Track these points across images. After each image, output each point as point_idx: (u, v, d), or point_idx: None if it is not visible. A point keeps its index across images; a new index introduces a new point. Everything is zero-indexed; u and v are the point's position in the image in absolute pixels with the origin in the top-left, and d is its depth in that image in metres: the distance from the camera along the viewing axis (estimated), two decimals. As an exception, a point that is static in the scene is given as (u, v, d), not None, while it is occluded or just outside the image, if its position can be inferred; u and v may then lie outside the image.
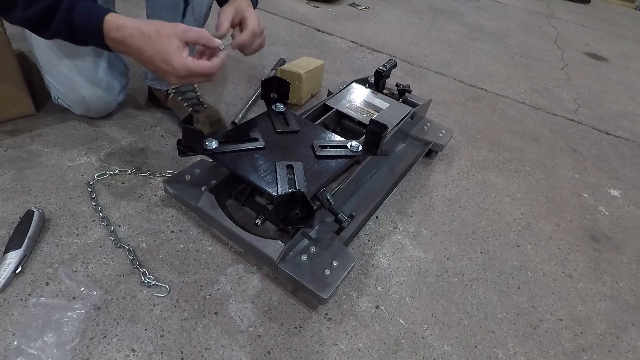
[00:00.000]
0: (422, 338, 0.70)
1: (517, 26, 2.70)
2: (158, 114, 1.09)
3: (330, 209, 0.74)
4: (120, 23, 0.62)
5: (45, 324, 0.59)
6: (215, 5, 0.93)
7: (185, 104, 1.03)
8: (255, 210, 0.80)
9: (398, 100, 1.11)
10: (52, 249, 0.71)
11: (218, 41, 0.66)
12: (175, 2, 0.88)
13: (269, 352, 0.63)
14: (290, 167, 0.72)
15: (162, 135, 1.02)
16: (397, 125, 1.00)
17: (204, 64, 0.64)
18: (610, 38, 2.86)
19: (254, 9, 0.81)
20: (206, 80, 0.67)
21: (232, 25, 0.74)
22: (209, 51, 0.68)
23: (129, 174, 0.89)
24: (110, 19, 0.62)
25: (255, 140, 0.76)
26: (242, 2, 0.76)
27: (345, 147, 0.79)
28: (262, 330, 0.66)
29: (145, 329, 0.63)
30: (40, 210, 0.74)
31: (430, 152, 1.12)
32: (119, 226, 0.78)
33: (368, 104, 1.06)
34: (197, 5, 0.91)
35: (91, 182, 0.84)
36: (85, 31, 0.64)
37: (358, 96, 1.09)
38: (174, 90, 1.05)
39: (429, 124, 1.14)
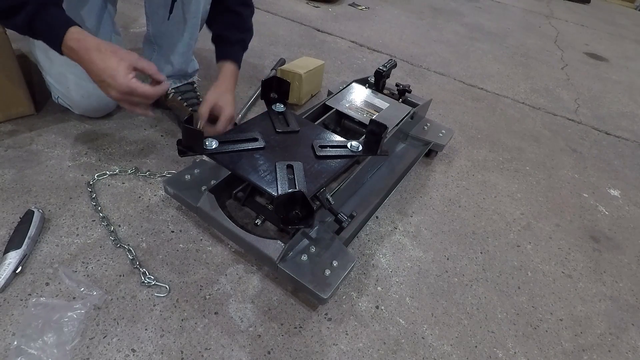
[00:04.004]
0: (422, 338, 0.70)
1: (517, 26, 2.70)
2: (158, 114, 1.09)
3: (330, 209, 0.74)
4: (81, 37, 0.68)
5: (45, 324, 0.59)
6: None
7: (185, 104, 1.03)
8: (255, 210, 0.80)
9: (398, 100, 1.11)
10: (52, 249, 0.71)
11: (163, 77, 0.74)
12: None
13: (269, 352, 0.63)
14: (290, 167, 0.71)
15: (162, 135, 1.02)
16: (397, 125, 1.00)
17: (145, 87, 0.70)
18: (610, 38, 2.86)
19: (242, 54, 0.96)
20: (145, 102, 0.73)
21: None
22: (153, 81, 0.74)
23: (129, 173, 0.89)
24: (74, 31, 0.67)
25: (255, 140, 0.76)
26: (223, 84, 0.87)
27: (345, 147, 0.79)
28: (262, 330, 0.66)
29: (145, 329, 0.63)
30: (40, 210, 0.74)
31: (430, 152, 1.12)
32: (119, 226, 0.78)
33: (368, 104, 1.06)
34: (189, 2, 0.91)
35: (91, 182, 0.84)
36: (44, 36, 0.69)
37: (358, 96, 1.09)
38: (174, 90, 1.05)
39: (429, 124, 1.14)
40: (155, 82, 0.73)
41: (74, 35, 0.67)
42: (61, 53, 0.69)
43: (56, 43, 0.68)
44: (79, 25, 0.68)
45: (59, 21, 0.68)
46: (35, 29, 0.68)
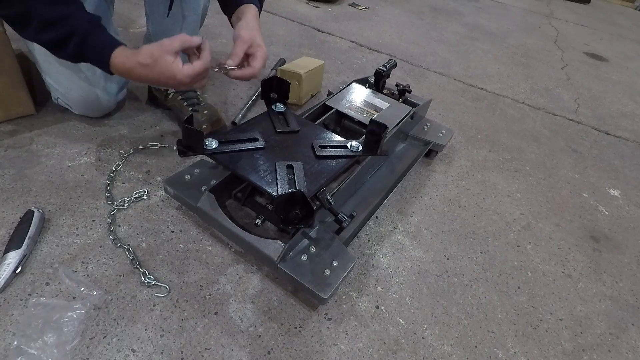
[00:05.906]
0: (422, 338, 0.70)
1: (517, 26, 2.70)
2: (158, 114, 1.09)
3: (330, 209, 0.74)
4: (123, 58, 0.70)
5: (45, 324, 0.59)
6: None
7: (185, 103, 1.03)
8: (255, 210, 0.80)
9: (398, 100, 1.11)
10: (52, 249, 0.71)
11: (196, 38, 0.71)
12: None
13: (269, 352, 0.63)
14: (290, 167, 0.71)
15: (162, 135, 1.02)
16: (397, 125, 1.00)
17: (197, 64, 0.70)
18: (610, 38, 2.86)
19: (259, 12, 0.87)
20: (205, 75, 0.73)
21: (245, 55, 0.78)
22: (192, 51, 0.73)
23: (129, 173, 0.89)
24: (117, 54, 0.69)
25: (255, 140, 0.76)
26: (252, 23, 0.80)
27: (345, 147, 0.79)
28: (262, 330, 0.66)
29: (145, 329, 0.63)
30: (40, 210, 0.74)
31: (430, 152, 1.12)
32: (119, 226, 0.78)
33: (368, 104, 1.06)
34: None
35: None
36: (93, 62, 0.72)
37: (358, 96, 1.09)
38: (174, 90, 1.05)
39: (429, 124, 1.14)
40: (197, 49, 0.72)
41: (117, 59, 0.69)
42: (111, 74, 0.72)
43: (106, 68, 0.71)
44: (124, 44, 0.70)
45: (104, 46, 0.70)
46: (86, 57, 0.70)
